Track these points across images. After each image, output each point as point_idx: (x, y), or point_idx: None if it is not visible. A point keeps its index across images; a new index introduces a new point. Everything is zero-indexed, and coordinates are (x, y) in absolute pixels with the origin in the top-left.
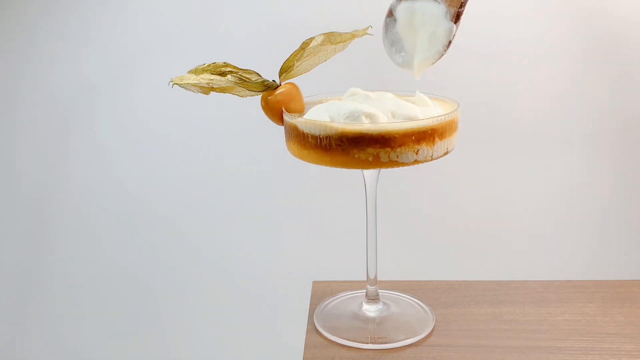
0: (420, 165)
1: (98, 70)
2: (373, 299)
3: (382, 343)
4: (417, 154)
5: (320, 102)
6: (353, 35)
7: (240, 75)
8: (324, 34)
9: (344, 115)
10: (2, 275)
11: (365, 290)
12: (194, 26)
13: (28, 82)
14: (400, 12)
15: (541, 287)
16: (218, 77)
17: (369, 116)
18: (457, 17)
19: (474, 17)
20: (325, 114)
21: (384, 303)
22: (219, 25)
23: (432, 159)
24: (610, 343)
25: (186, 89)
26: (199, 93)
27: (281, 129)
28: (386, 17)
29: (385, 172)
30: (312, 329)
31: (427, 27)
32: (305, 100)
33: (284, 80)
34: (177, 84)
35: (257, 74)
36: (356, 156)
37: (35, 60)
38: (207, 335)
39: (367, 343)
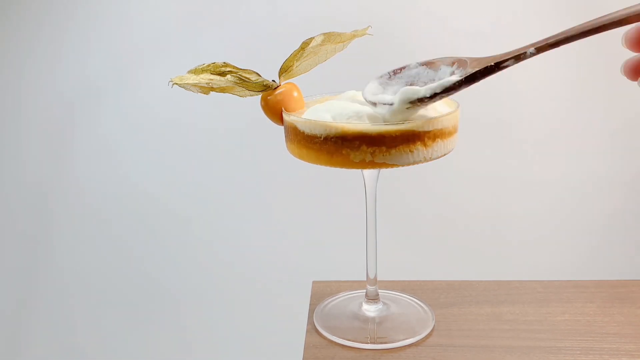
0: (420, 165)
1: (97, 70)
2: (373, 299)
3: (382, 343)
4: (416, 154)
5: (320, 102)
6: (353, 35)
7: (239, 75)
8: (324, 33)
9: (347, 116)
10: (5, 271)
11: (365, 290)
12: (194, 26)
13: (32, 80)
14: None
15: (541, 287)
16: (218, 77)
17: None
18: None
19: (475, 16)
20: (327, 114)
21: (384, 303)
22: (219, 25)
23: (431, 159)
24: (611, 343)
25: (186, 89)
26: (199, 93)
27: (281, 128)
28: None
29: (385, 172)
30: (311, 328)
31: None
32: (305, 100)
33: (283, 80)
34: (176, 84)
35: (257, 73)
36: (354, 156)
37: (39, 58)
38: (207, 335)
39: (367, 343)
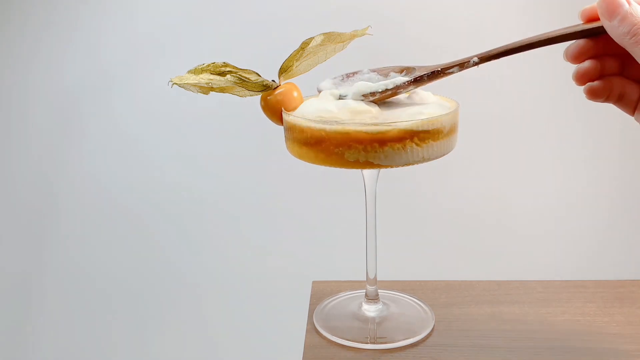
0: (420, 165)
1: (98, 70)
2: (373, 299)
3: (381, 343)
4: (413, 154)
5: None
6: (353, 35)
7: (239, 75)
8: (324, 33)
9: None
10: (12, 265)
11: (364, 290)
12: (194, 26)
13: (25, 82)
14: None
15: (541, 287)
16: (217, 77)
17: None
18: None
19: (475, 17)
20: (331, 104)
21: (384, 303)
22: (219, 25)
23: (429, 160)
24: (611, 343)
25: (185, 89)
26: (199, 93)
27: (281, 128)
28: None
29: (385, 172)
30: (311, 329)
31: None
32: (304, 100)
33: (283, 80)
34: (176, 84)
35: (257, 73)
36: (349, 155)
37: (32, 60)
38: (207, 336)
39: (367, 343)
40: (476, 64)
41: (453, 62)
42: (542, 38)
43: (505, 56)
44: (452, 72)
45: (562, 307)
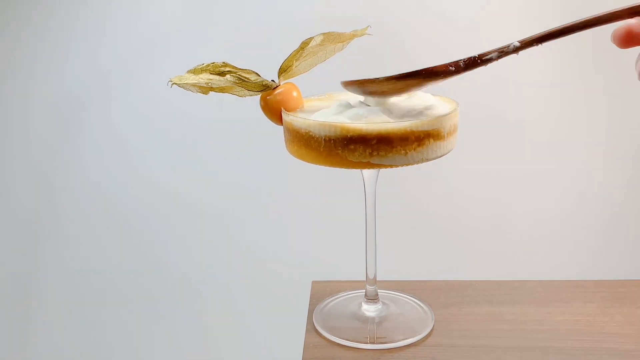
0: (420, 164)
1: (98, 70)
2: (372, 298)
3: (381, 343)
4: (414, 154)
5: (321, 100)
6: (352, 35)
7: (239, 75)
8: (324, 33)
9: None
10: (11, 266)
11: (364, 290)
12: (193, 26)
13: (24, 85)
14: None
15: (541, 287)
16: (217, 77)
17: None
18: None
19: (476, 16)
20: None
21: (384, 303)
22: (218, 24)
23: (429, 160)
24: (610, 343)
25: (185, 88)
26: (198, 93)
27: (280, 128)
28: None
29: (385, 171)
30: (311, 328)
31: None
32: (304, 100)
33: (283, 80)
34: (176, 83)
35: (256, 73)
36: (351, 156)
37: (31, 62)
38: (206, 335)
39: (367, 343)
40: (516, 49)
41: (491, 49)
42: (589, 20)
43: (548, 41)
44: (490, 60)
45: (561, 307)
